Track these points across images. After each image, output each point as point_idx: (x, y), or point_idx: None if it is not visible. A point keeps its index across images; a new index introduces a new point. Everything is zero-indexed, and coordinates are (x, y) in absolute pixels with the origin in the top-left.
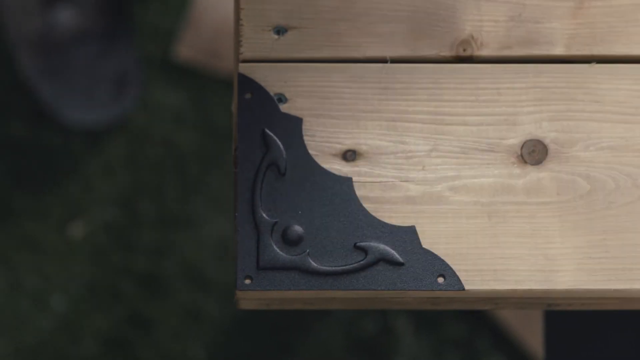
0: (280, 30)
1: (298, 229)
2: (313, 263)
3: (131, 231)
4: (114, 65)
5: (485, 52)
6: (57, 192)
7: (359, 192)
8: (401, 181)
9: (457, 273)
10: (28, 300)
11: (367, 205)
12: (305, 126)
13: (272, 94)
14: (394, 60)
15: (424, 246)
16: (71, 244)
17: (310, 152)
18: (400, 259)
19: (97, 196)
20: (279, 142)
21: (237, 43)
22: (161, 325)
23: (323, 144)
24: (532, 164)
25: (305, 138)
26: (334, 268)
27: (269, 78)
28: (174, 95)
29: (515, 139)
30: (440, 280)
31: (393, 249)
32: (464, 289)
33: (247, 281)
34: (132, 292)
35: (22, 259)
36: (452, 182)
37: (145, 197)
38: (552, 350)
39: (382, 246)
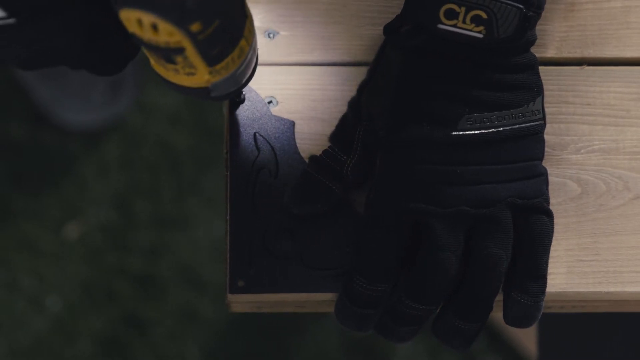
0: (271, 34)
1: (291, 231)
2: (306, 265)
3: (126, 232)
4: None
5: None
6: (54, 193)
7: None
8: None
9: None
10: (23, 300)
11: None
12: (297, 129)
13: (263, 97)
14: None
15: None
16: (67, 244)
17: (302, 154)
18: None
19: (93, 197)
20: (271, 145)
21: None
22: (156, 326)
23: (315, 146)
24: None
25: (297, 141)
26: (326, 270)
27: (261, 81)
28: (169, 97)
29: None
30: None
31: None
32: None
33: (239, 284)
34: (127, 292)
35: (18, 260)
36: None
37: (141, 198)
38: (546, 352)
39: None
